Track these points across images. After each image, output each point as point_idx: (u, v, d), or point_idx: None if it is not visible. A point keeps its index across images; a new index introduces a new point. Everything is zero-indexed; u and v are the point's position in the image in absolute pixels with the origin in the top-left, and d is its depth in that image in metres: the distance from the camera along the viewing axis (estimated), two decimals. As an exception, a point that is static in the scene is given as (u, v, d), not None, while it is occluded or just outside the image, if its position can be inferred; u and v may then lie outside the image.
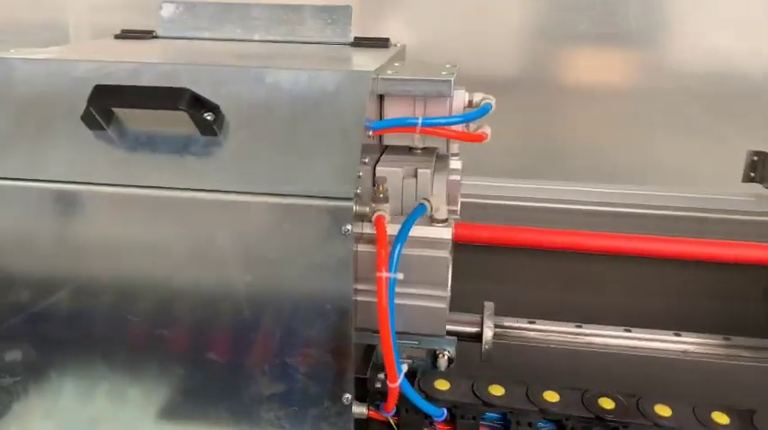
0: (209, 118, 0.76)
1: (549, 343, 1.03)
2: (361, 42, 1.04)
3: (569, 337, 1.03)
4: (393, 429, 0.86)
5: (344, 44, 1.05)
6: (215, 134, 0.77)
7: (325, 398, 0.81)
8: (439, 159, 0.91)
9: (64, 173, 0.77)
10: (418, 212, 0.78)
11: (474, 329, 0.95)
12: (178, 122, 0.77)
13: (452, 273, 0.82)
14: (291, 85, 0.79)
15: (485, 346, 0.94)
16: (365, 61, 0.89)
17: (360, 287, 0.77)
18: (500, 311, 0.98)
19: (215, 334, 0.81)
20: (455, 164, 1.04)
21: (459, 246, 0.96)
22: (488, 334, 0.93)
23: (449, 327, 0.88)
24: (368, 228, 0.78)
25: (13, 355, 0.85)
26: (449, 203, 1.04)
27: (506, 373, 0.89)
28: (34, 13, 1.68)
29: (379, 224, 0.76)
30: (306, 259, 0.76)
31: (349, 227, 0.73)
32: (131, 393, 0.86)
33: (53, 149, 0.79)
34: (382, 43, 1.05)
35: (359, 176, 0.74)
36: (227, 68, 0.81)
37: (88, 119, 0.77)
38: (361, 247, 0.77)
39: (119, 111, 0.79)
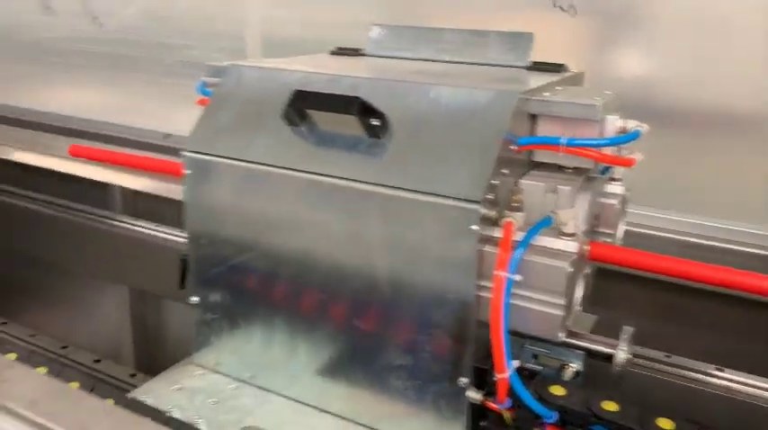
0: (375, 123, 0.91)
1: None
2: (536, 66, 1.12)
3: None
4: (505, 422, 0.93)
5: (521, 68, 1.13)
6: (378, 137, 0.91)
7: (444, 378, 0.91)
8: (588, 180, 0.96)
9: (265, 157, 0.98)
10: (543, 223, 0.85)
11: (607, 349, 0.98)
12: (353, 125, 0.93)
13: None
14: (449, 99, 0.91)
15: (615, 368, 0.96)
16: (523, 83, 0.97)
17: (485, 284, 0.86)
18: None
19: (362, 306, 0.95)
20: (614, 188, 1.07)
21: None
22: (621, 356, 0.95)
23: (580, 343, 0.93)
24: (498, 233, 0.86)
25: (215, 297, 1.08)
26: (604, 226, 1.08)
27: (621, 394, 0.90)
28: (216, 25, 1.95)
29: (506, 229, 0.84)
30: (438, 251, 0.87)
31: (475, 227, 0.83)
32: (300, 347, 1.03)
33: (260, 138, 0.99)
34: (556, 68, 1.11)
35: (493, 184, 0.84)
36: (399, 83, 0.95)
37: (287, 116, 0.97)
38: (489, 248, 0.86)
39: (310, 112, 0.97)
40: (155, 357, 2.16)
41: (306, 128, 0.98)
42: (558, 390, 0.91)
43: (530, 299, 0.86)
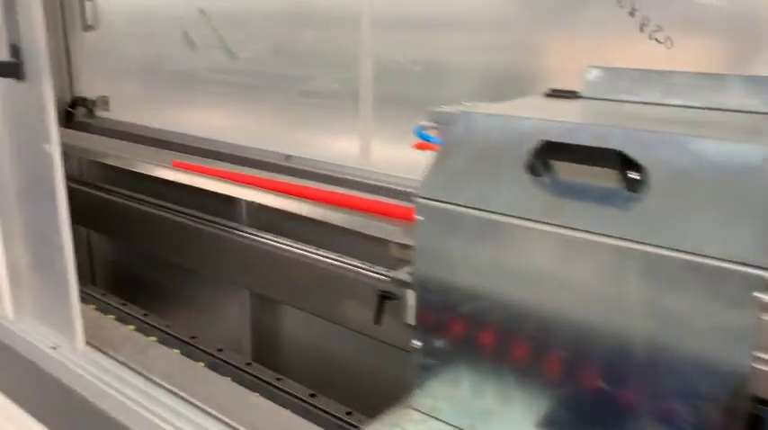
0: (635, 177, 0.87)
1: None
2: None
3: None
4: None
5: (765, 114, 1.06)
6: (636, 191, 0.87)
7: (707, 457, 0.84)
8: None
9: (506, 207, 0.96)
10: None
11: None
12: (604, 177, 0.90)
13: None
14: (714, 154, 0.85)
15: None
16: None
17: (763, 356, 0.79)
18: None
19: (611, 365, 0.91)
20: None
21: None
22: None
23: None
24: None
25: (439, 343, 1.07)
26: None
27: None
28: (333, 58, 2.10)
29: (789, 297, 0.77)
30: (707, 317, 0.81)
31: (759, 294, 0.77)
32: (531, 403, 1.00)
33: (499, 188, 0.98)
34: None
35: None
36: (654, 134, 0.90)
37: (531, 166, 0.95)
38: (766, 316, 0.79)
39: (554, 163, 0.94)
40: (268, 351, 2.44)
41: (549, 178, 0.95)
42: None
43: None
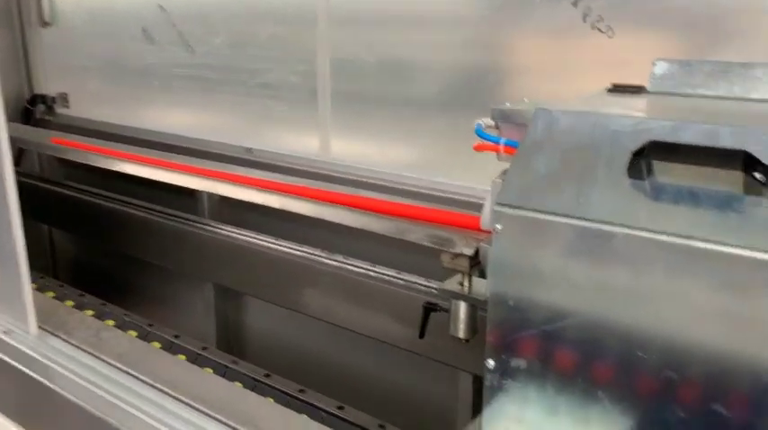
0: (760, 178, 0.79)
1: None
2: None
3: None
4: None
5: None
6: (763, 195, 0.79)
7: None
8: None
9: (607, 214, 0.87)
10: None
11: None
12: (716, 179, 0.81)
13: None
14: None
15: None
16: None
17: None
18: None
19: (720, 384, 0.82)
20: None
21: None
22: None
23: None
24: None
25: (517, 363, 0.98)
26: None
27: None
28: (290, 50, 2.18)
29: None
30: None
31: None
32: (595, 418, 0.92)
33: (596, 193, 0.89)
34: None
35: None
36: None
37: (635, 169, 0.85)
38: None
39: (657, 164, 0.86)
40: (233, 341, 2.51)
41: (650, 181, 0.86)
42: None
43: None
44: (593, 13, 1.63)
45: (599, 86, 1.20)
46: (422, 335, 1.38)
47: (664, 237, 0.83)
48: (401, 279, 1.85)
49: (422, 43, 1.96)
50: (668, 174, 0.86)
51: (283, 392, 1.79)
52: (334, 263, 1.96)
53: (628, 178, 0.87)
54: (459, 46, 1.90)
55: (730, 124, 0.84)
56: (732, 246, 0.79)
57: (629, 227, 0.86)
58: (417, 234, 1.42)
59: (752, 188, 0.80)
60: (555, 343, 0.94)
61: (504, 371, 0.99)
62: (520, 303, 0.95)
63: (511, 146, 1.05)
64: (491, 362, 1.00)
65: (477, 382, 1.94)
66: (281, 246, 2.06)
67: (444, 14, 1.90)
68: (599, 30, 1.64)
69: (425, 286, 1.79)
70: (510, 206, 0.93)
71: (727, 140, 0.82)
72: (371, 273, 1.90)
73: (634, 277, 0.86)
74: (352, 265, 1.94)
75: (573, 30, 1.67)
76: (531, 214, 0.92)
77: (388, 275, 1.87)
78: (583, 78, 1.67)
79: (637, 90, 1.15)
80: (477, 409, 1.98)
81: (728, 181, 0.81)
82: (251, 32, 2.27)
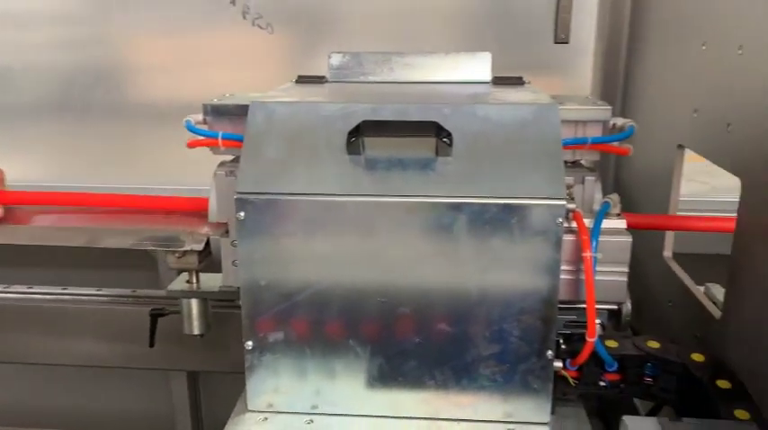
0: (446, 142, 1.00)
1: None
2: (501, 81, 1.30)
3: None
4: (570, 384, 1.10)
5: (487, 83, 1.30)
6: (449, 155, 1.01)
7: (532, 355, 1.04)
8: (590, 171, 1.17)
9: (336, 187, 1.00)
10: (605, 208, 1.04)
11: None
12: (415, 147, 1.01)
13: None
14: (499, 116, 1.04)
15: (625, 318, 1.19)
16: (541, 97, 1.14)
17: (566, 268, 1.02)
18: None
19: (448, 308, 1.03)
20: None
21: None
22: (628, 306, 1.18)
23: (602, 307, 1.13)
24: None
25: (274, 337, 1.06)
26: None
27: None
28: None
29: (578, 218, 1.01)
30: (525, 246, 1.00)
31: (561, 219, 0.98)
32: (372, 364, 1.07)
33: (323, 171, 1.01)
34: (518, 81, 1.31)
35: (568, 182, 1.00)
36: (447, 105, 1.05)
37: (352, 146, 1.00)
38: (567, 237, 1.02)
39: (369, 140, 1.02)
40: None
41: (367, 155, 1.02)
42: (611, 343, 1.11)
43: (602, 272, 1.04)
44: (252, 11, 1.77)
45: (267, 77, 1.34)
46: (152, 344, 1.36)
47: (385, 199, 1.00)
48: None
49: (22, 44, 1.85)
50: (378, 147, 1.02)
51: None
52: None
53: (347, 155, 1.01)
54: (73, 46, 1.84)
55: (417, 102, 1.04)
56: (435, 196, 1.00)
57: (355, 195, 1.00)
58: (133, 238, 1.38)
59: (441, 150, 1.01)
60: (303, 311, 1.05)
61: (261, 349, 1.07)
62: (270, 283, 1.04)
63: (230, 139, 1.12)
64: (249, 343, 1.06)
65: (192, 379, 1.97)
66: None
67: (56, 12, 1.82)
68: (259, 26, 1.79)
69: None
70: (251, 193, 1.01)
71: (415, 115, 1.02)
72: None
73: (366, 237, 1.02)
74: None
75: (235, 26, 1.80)
76: (271, 197, 1.00)
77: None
78: (244, 70, 1.82)
79: (319, 80, 1.32)
80: (195, 406, 2.02)
81: (423, 147, 1.01)
82: None
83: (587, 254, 0.99)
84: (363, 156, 1.02)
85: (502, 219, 0.99)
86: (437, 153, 1.02)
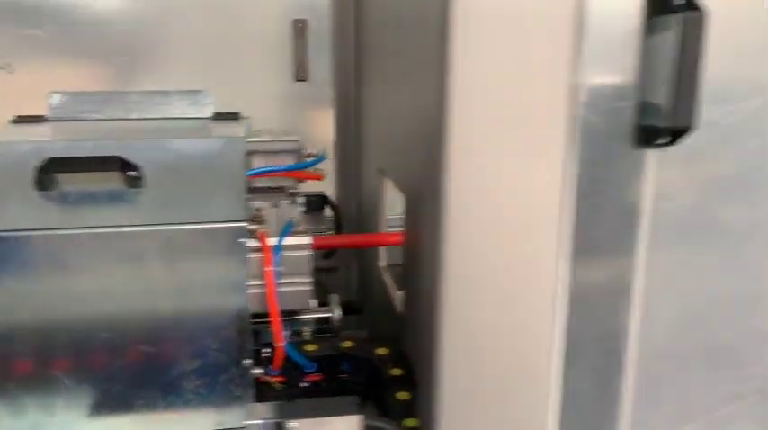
0: (134, 175, 1.09)
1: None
2: (220, 117, 1.41)
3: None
4: (275, 389, 1.22)
5: (207, 119, 1.41)
6: (139, 187, 1.10)
7: (231, 366, 1.15)
8: (290, 195, 1.31)
9: (20, 223, 1.05)
10: (288, 227, 1.17)
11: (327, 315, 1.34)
12: (108, 180, 1.09)
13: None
14: (191, 149, 1.14)
15: (336, 324, 1.33)
16: (235, 130, 1.26)
17: (253, 283, 1.14)
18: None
19: (148, 330, 1.11)
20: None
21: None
22: (338, 313, 1.32)
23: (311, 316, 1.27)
24: (252, 244, 1.15)
25: (-26, 374, 1.08)
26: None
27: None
28: None
29: (262, 237, 1.14)
30: (214, 265, 1.11)
31: (244, 240, 1.10)
32: (64, 400, 1.12)
33: (9, 208, 1.06)
34: (235, 116, 1.43)
35: (249, 206, 1.12)
36: (143, 141, 1.13)
37: (41, 183, 1.06)
38: (253, 255, 1.14)
39: (62, 176, 1.08)
40: None
41: (59, 190, 1.08)
42: (311, 347, 1.25)
43: (287, 284, 1.17)
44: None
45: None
46: None
47: (77, 232, 1.07)
48: None
49: None
50: (70, 182, 1.09)
51: None
52: None
53: (36, 191, 1.07)
54: None
55: (111, 138, 1.12)
56: (126, 226, 1.08)
57: (44, 229, 1.06)
58: None
59: (133, 183, 1.10)
60: (12, 352, 1.08)
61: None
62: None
63: None
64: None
65: None
66: None
67: None
68: (-1, 67, 1.79)
69: None
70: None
71: (108, 150, 1.10)
72: None
73: (59, 269, 1.07)
74: None
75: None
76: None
77: None
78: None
79: (38, 119, 1.35)
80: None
81: (113, 180, 1.09)
82: None
83: (268, 268, 1.12)
84: (55, 192, 1.08)
85: (192, 243, 1.10)
86: (129, 185, 1.10)
